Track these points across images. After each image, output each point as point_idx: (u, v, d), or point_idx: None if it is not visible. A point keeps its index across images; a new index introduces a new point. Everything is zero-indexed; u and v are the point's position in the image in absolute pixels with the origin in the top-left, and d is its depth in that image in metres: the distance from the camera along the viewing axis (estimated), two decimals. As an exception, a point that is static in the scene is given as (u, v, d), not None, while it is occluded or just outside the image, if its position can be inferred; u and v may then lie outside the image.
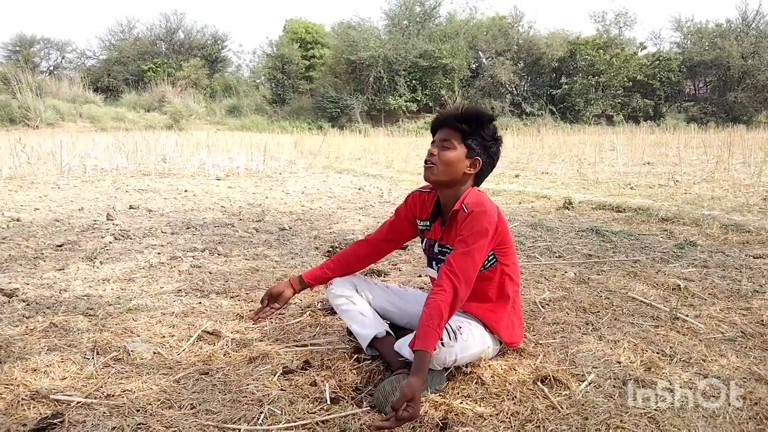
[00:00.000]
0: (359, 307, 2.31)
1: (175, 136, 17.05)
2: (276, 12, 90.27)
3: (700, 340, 2.47)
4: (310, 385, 2.07)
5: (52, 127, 23.25)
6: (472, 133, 2.13)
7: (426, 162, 2.16)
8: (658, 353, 2.33)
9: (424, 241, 2.37)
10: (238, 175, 10.03)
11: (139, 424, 1.77)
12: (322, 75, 34.49)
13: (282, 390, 2.02)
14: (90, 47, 46.47)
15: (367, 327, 2.26)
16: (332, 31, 36.77)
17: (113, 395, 1.96)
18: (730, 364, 2.22)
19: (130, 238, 4.64)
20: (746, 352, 2.34)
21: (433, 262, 2.30)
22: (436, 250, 2.27)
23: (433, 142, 2.19)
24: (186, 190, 7.76)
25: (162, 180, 9.08)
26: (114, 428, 1.75)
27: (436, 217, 2.29)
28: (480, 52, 35.79)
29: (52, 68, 38.82)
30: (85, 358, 2.27)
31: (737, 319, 2.72)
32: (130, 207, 6.19)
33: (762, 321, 2.69)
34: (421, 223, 2.36)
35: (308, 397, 1.97)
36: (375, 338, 2.23)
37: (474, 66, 35.81)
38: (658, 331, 2.58)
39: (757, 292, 3.17)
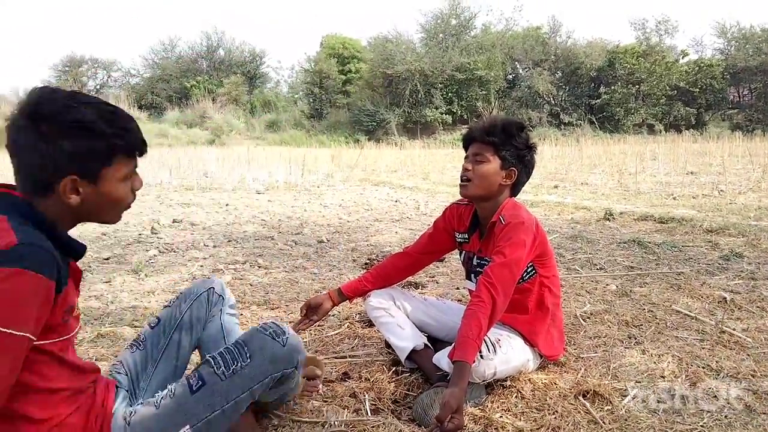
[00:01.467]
0: (397, 319, 2.33)
1: (216, 152, 17.43)
2: (313, 28, 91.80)
3: (748, 355, 2.40)
4: (350, 396, 2.08)
5: (99, 144, 23.95)
6: (504, 144, 2.12)
7: (461, 178, 2.16)
8: (704, 368, 2.27)
9: (463, 254, 2.37)
10: (278, 188, 10.19)
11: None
12: (358, 89, 34.84)
13: (324, 401, 2.05)
14: (134, 66, 47.92)
15: (406, 339, 2.26)
16: (369, 45, 37.13)
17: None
18: (780, 379, 2.15)
19: (174, 251, 4.76)
20: (798, 368, 2.26)
21: (472, 275, 2.29)
22: (474, 262, 2.27)
23: (466, 158, 2.19)
24: (227, 204, 7.92)
25: (204, 194, 9.29)
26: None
27: (474, 229, 2.29)
28: (517, 63, 35.62)
29: (99, 87, 40.23)
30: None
31: (788, 333, 2.63)
32: (174, 221, 6.35)
33: (815, 335, 2.60)
34: (459, 236, 2.37)
35: (348, 409, 1.98)
36: (413, 351, 2.23)
37: (511, 77, 35.64)
38: (703, 345, 2.51)
39: (809, 305, 3.07)
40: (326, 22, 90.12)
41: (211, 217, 6.79)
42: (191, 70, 38.15)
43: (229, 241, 5.22)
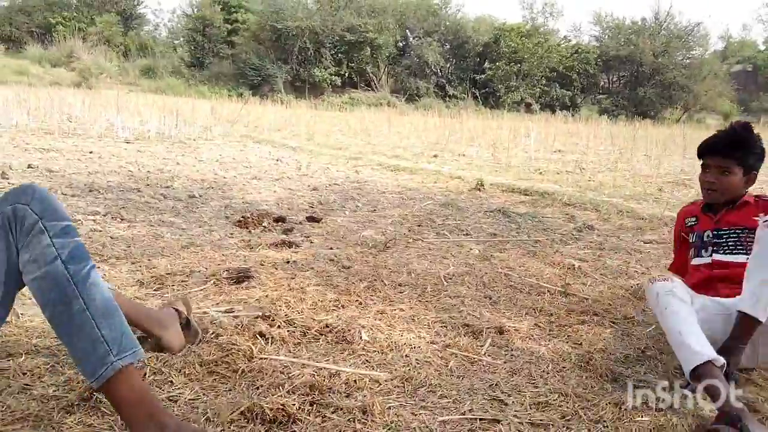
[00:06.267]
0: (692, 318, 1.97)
1: (83, 95, 16.09)
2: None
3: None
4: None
5: (-58, 76, 21.29)
6: (747, 156, 2.25)
7: (707, 190, 2.30)
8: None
9: (693, 235, 2.45)
10: (149, 139, 9.60)
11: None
12: (245, 41, 33.36)
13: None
14: (-10, -8, 42.70)
15: (702, 344, 1.82)
16: (258, -5, 35.59)
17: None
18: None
19: (25, 199, 4.36)
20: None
21: (702, 250, 2.36)
22: (707, 237, 2.34)
23: (705, 165, 2.32)
24: (91, 152, 7.34)
25: (66, 140, 8.54)
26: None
27: (705, 212, 2.41)
28: (408, 31, 35.83)
29: (-56, 12, 35.44)
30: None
31: (621, 294, 2.93)
32: (29, 166, 5.80)
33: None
34: (690, 221, 2.47)
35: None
36: (707, 362, 1.77)
37: (401, 44, 35.84)
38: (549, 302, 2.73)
39: (644, 273, 3.42)
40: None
41: (71, 164, 6.27)
42: (58, 3, 34.53)
43: (90, 191, 4.87)
